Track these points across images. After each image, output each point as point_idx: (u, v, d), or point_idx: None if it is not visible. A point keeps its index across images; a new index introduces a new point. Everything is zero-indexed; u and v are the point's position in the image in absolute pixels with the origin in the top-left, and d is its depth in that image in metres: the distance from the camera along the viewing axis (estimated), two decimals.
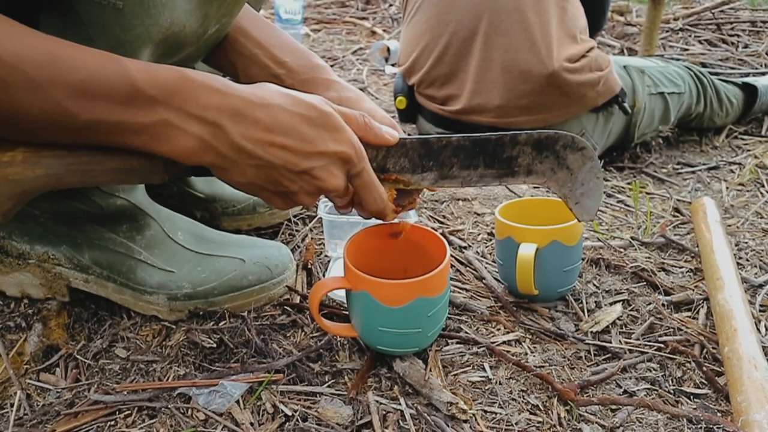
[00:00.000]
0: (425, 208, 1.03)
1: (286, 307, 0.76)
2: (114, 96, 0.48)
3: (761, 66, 1.89)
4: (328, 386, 0.64)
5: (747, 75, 1.80)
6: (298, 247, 0.89)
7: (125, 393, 0.63)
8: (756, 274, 0.91)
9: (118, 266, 0.72)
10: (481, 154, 0.62)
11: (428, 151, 0.61)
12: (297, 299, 0.77)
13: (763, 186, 1.29)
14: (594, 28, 1.37)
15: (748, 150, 1.52)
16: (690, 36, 2.14)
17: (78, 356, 0.69)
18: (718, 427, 0.59)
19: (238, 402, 0.62)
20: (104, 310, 0.75)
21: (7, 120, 0.48)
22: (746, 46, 2.03)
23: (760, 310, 0.82)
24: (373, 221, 0.66)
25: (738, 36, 2.09)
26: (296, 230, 0.92)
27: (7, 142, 0.52)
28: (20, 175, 0.51)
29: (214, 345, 0.69)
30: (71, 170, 0.53)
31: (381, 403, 0.61)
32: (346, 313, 0.70)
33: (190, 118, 0.50)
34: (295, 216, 0.94)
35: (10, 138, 0.52)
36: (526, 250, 0.72)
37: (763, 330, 0.78)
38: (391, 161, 0.61)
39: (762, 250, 0.98)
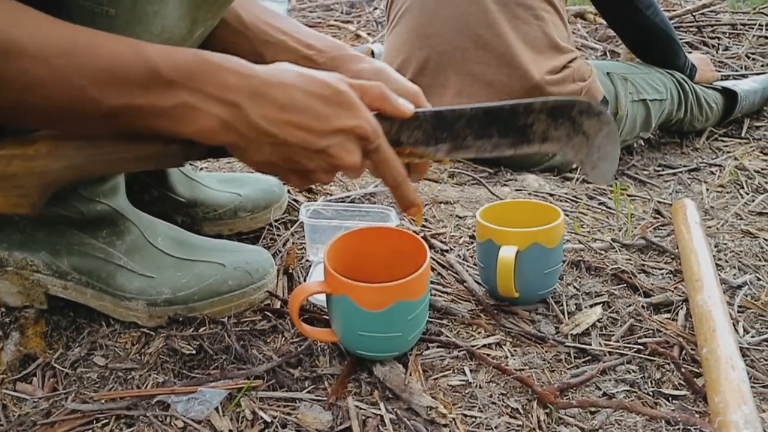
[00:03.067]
0: None
1: (266, 312, 0.75)
2: (135, 81, 0.49)
3: (741, 68, 1.91)
4: (308, 392, 0.64)
5: (728, 78, 1.82)
6: (280, 251, 0.88)
7: (103, 401, 0.63)
8: (735, 275, 0.92)
9: (98, 272, 0.72)
10: (495, 124, 0.61)
11: (442, 122, 0.60)
12: (278, 304, 0.77)
13: (742, 187, 1.31)
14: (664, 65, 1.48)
15: (728, 152, 1.53)
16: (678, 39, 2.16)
17: (56, 365, 0.68)
18: (695, 428, 0.60)
19: (217, 409, 0.61)
20: (83, 317, 0.74)
21: (35, 111, 0.49)
22: (727, 49, 2.05)
23: (738, 311, 0.83)
24: (352, 227, 0.66)
25: (719, 38, 2.11)
26: (278, 235, 0.92)
27: (30, 135, 0.53)
28: (46, 167, 0.53)
29: (194, 351, 0.68)
30: (94, 160, 0.54)
31: (361, 408, 0.61)
32: (327, 317, 0.70)
33: (211, 100, 0.51)
34: (276, 220, 0.94)
35: (39, 128, 0.53)
36: (507, 253, 0.72)
37: (741, 331, 0.79)
38: (405, 134, 0.60)
39: (741, 252, 0.99)
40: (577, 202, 1.16)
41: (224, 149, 0.55)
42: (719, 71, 1.87)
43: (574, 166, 1.37)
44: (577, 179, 1.33)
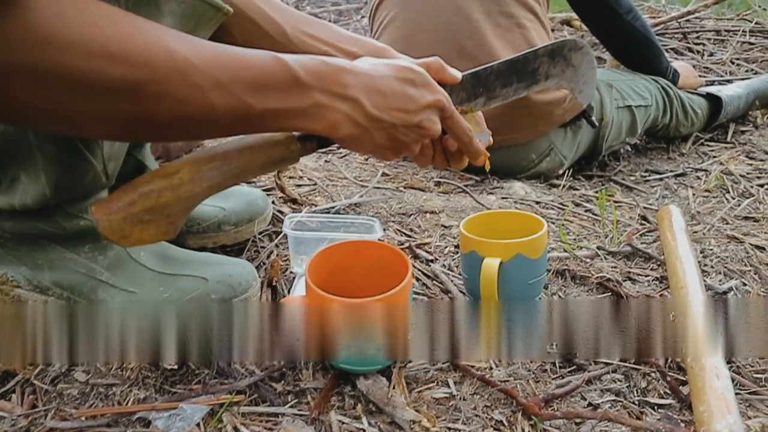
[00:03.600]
0: (392, 221, 1.03)
1: None
2: (280, 86, 0.55)
3: (726, 74, 1.93)
4: (291, 406, 0.63)
5: (713, 83, 1.83)
6: (264, 263, 0.88)
7: (83, 419, 0.62)
8: (720, 281, 0.92)
9: (79, 287, 0.71)
10: (514, 72, 0.73)
11: (478, 80, 0.72)
12: None
13: (728, 192, 1.31)
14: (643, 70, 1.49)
15: (714, 156, 1.54)
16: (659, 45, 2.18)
17: (35, 381, 0.67)
18: None
19: (198, 425, 0.61)
20: None
21: (197, 121, 0.52)
22: (711, 54, 2.07)
23: None
24: (336, 238, 0.67)
25: (703, 44, 2.13)
26: (262, 247, 0.91)
27: (170, 165, 0.57)
28: (190, 192, 0.57)
29: (176, 366, 0.68)
30: (229, 175, 0.59)
31: (343, 423, 0.61)
32: None
33: (336, 97, 0.58)
34: (261, 232, 0.93)
35: (181, 140, 0.58)
36: (490, 265, 0.72)
37: None
38: (454, 96, 0.70)
39: (726, 257, 0.99)
40: (563, 209, 1.16)
41: (330, 141, 0.62)
42: (705, 77, 1.89)
43: (560, 172, 1.38)
44: (564, 186, 1.33)
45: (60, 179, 0.66)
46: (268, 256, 0.89)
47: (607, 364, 0.72)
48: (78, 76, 0.46)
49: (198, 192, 0.58)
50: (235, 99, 0.53)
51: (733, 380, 0.69)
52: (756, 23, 2.23)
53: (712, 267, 0.96)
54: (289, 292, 0.82)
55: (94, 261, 0.71)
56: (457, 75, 0.70)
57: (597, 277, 0.88)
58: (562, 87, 0.77)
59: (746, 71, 1.94)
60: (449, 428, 0.61)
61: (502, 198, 1.19)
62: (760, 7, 2.28)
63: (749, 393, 0.69)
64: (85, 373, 0.68)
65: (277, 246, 0.92)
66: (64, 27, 0.45)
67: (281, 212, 1.01)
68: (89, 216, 0.57)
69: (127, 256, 0.73)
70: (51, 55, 0.45)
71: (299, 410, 0.63)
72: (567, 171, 1.39)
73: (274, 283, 0.82)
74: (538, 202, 1.19)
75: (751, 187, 1.32)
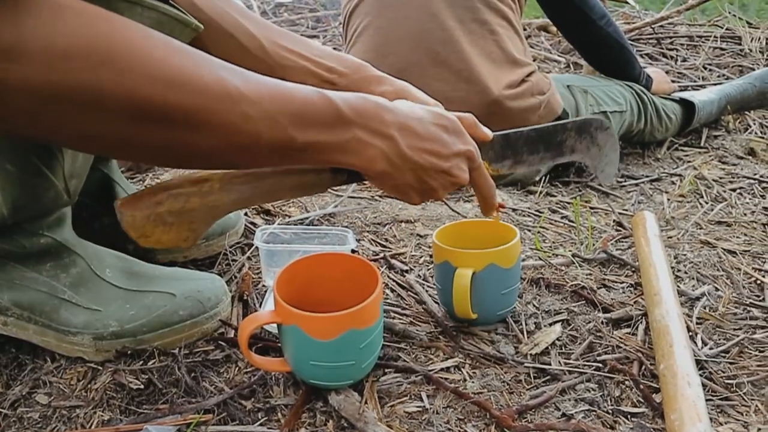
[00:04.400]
0: (367, 231, 1.02)
1: (220, 341, 0.73)
2: (322, 120, 0.55)
3: (699, 79, 1.95)
4: (260, 424, 0.62)
5: (686, 88, 1.85)
6: (235, 277, 0.86)
7: None
8: (693, 286, 0.92)
9: (40, 306, 0.69)
10: (542, 142, 0.75)
11: (507, 142, 0.74)
12: (231, 333, 0.75)
13: (702, 197, 1.32)
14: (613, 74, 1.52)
15: (689, 161, 1.55)
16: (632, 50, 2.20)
17: None
18: None
19: None
20: (26, 353, 0.71)
21: (240, 150, 0.52)
22: (685, 60, 2.09)
23: (696, 323, 0.83)
24: (309, 250, 0.66)
25: (677, 50, 2.15)
26: (233, 260, 0.90)
27: (200, 174, 0.57)
28: (218, 201, 0.58)
29: (142, 386, 0.66)
30: (258, 192, 0.60)
31: None
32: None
33: (375, 134, 0.59)
34: (232, 245, 0.92)
35: (229, 168, 0.57)
36: (463, 275, 0.71)
37: (699, 343, 0.79)
38: (482, 153, 0.71)
39: (699, 262, 0.99)
40: (539, 216, 1.16)
41: (360, 175, 0.63)
42: (678, 82, 1.91)
43: (537, 179, 1.38)
44: (540, 192, 1.33)
45: (19, 198, 0.64)
46: (240, 270, 0.88)
47: (581, 373, 0.71)
48: (137, 102, 0.45)
49: (225, 203, 0.58)
50: (280, 131, 0.53)
51: (704, 386, 0.69)
52: (727, 29, 2.26)
53: (686, 273, 0.97)
54: (260, 305, 0.80)
55: (56, 279, 0.70)
56: (489, 133, 0.72)
57: (572, 285, 0.88)
58: (586, 164, 0.81)
59: (718, 76, 1.96)
60: None
61: (479, 206, 1.19)
62: (730, 13, 2.31)
63: (721, 399, 0.69)
64: (47, 395, 0.66)
65: (249, 259, 0.90)
66: (124, 51, 0.44)
67: (254, 224, 1.00)
68: (115, 209, 0.56)
69: (91, 273, 0.71)
70: (108, 76, 0.44)
71: (269, 428, 0.61)
72: (544, 177, 1.40)
73: (245, 297, 0.81)
74: (514, 210, 1.19)
75: (724, 191, 1.33)
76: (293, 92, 0.54)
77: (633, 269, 0.95)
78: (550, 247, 1.03)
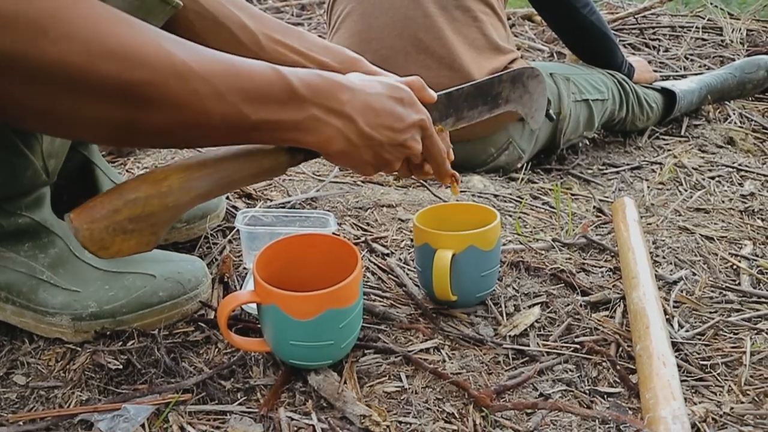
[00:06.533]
0: (348, 215, 1.02)
1: (200, 323, 0.73)
2: (276, 98, 0.54)
3: (681, 69, 1.97)
4: (239, 404, 0.62)
5: (668, 78, 1.86)
6: (216, 260, 0.86)
7: (21, 423, 0.60)
8: (671, 270, 0.94)
9: (18, 287, 0.69)
10: (480, 96, 0.76)
11: (450, 101, 0.74)
12: (211, 314, 0.75)
13: (681, 184, 1.34)
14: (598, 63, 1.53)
15: (669, 150, 1.57)
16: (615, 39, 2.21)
17: None
18: (625, 426, 0.60)
19: (143, 425, 0.59)
20: (3, 334, 0.71)
21: (191, 128, 0.51)
22: (667, 50, 2.11)
23: (674, 306, 0.84)
24: (290, 233, 0.66)
25: (659, 40, 2.17)
26: (214, 243, 0.90)
27: (159, 171, 0.55)
28: (178, 201, 0.55)
29: (121, 366, 0.66)
30: (218, 185, 0.58)
31: (293, 419, 0.60)
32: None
33: (332, 113, 0.58)
34: (214, 229, 0.92)
35: (184, 147, 0.57)
36: (442, 257, 0.72)
37: (676, 325, 0.80)
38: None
39: (678, 248, 1.01)
40: (521, 201, 1.16)
41: (317, 154, 0.62)
42: (660, 72, 1.92)
43: (519, 165, 1.39)
44: (522, 179, 1.34)
45: None
46: (221, 252, 0.88)
47: (559, 354, 0.72)
48: (73, 73, 0.44)
49: (186, 201, 0.56)
50: (232, 108, 0.52)
51: (680, 368, 0.70)
52: (708, 20, 2.28)
53: (664, 257, 0.98)
54: (241, 287, 0.80)
55: (35, 259, 0.69)
56: (434, 95, 0.71)
57: (551, 269, 0.89)
58: (518, 111, 0.80)
59: (699, 67, 1.98)
60: (400, 422, 0.61)
61: (461, 191, 1.19)
62: (712, 4, 2.33)
63: (695, 380, 0.70)
64: (24, 376, 0.66)
65: (230, 242, 0.90)
66: (61, 20, 0.43)
67: (236, 207, 0.99)
68: (66, 223, 0.53)
69: (70, 254, 0.71)
70: (45, 48, 0.42)
71: (248, 408, 0.62)
72: (526, 164, 1.40)
73: (225, 279, 0.81)
74: (496, 195, 1.19)
75: (703, 179, 1.35)
76: (246, 68, 0.53)
77: (612, 254, 0.96)
78: (531, 232, 1.04)
